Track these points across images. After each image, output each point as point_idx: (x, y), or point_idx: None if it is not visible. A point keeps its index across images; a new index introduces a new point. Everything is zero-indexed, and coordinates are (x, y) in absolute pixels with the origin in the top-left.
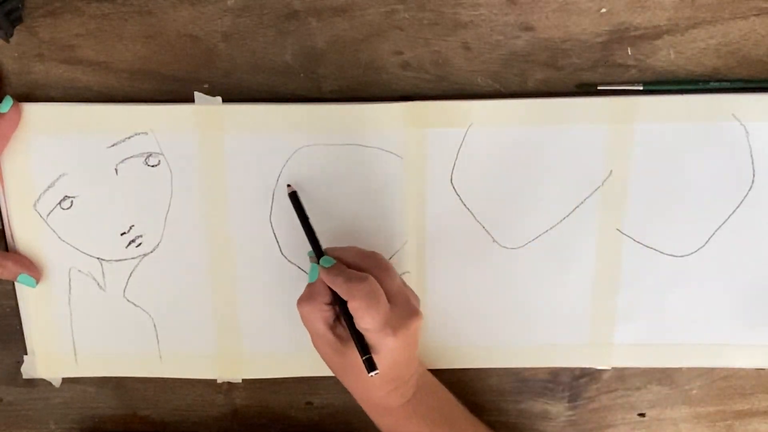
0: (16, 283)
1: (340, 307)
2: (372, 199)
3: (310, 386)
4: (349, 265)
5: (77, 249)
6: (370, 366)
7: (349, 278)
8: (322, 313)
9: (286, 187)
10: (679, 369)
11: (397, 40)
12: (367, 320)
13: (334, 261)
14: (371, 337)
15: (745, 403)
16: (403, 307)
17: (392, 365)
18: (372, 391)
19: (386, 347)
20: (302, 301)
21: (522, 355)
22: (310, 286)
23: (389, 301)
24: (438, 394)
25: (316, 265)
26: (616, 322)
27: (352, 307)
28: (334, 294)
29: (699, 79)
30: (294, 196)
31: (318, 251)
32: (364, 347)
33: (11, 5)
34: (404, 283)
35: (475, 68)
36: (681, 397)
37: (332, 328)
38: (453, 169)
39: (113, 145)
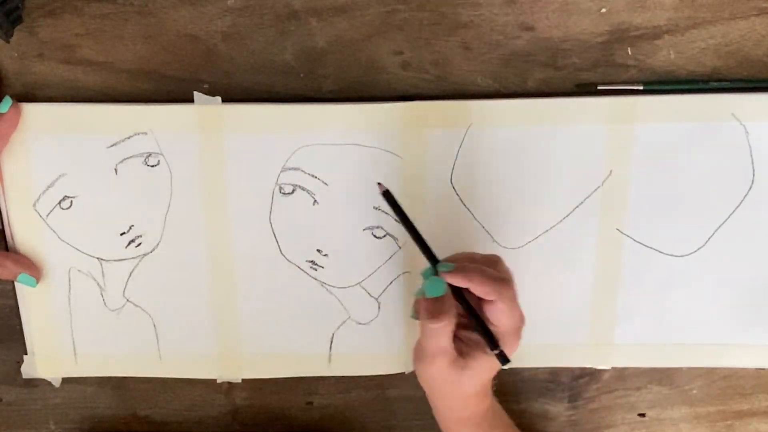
0: (16, 283)
1: (467, 309)
2: (372, 200)
3: (310, 386)
4: None
5: (77, 249)
6: (504, 359)
7: (496, 277)
8: (452, 327)
9: (377, 186)
10: (679, 369)
11: (397, 40)
12: (509, 322)
13: (454, 265)
14: (499, 338)
15: (745, 403)
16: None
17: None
18: (470, 399)
19: (510, 349)
20: (432, 317)
21: (522, 355)
22: (432, 301)
23: None
24: (495, 400)
25: (438, 279)
26: (616, 322)
27: (500, 308)
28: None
29: (699, 79)
30: (388, 195)
31: (432, 259)
32: (495, 342)
33: (11, 5)
34: None
35: (475, 68)
36: (681, 397)
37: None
38: (453, 169)
39: (113, 145)
